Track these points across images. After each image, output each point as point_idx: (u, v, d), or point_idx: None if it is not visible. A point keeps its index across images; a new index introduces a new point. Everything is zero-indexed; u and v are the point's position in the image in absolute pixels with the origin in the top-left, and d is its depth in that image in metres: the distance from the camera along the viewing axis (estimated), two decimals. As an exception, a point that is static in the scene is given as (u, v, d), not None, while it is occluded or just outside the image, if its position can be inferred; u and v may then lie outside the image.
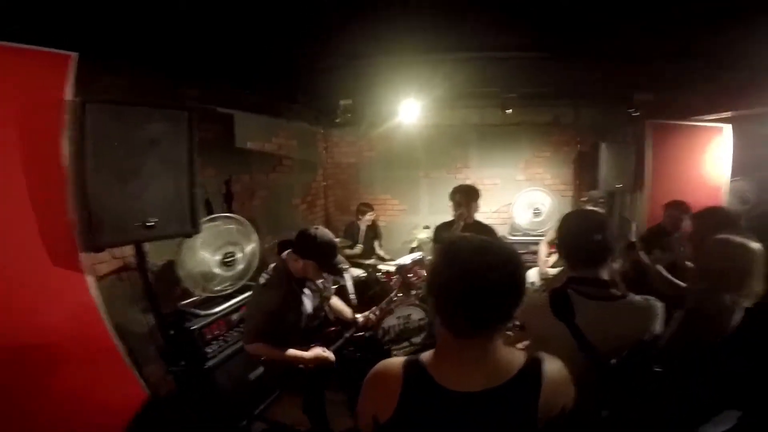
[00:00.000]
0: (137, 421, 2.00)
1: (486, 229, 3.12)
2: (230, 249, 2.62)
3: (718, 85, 3.13)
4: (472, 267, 0.80)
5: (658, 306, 1.29)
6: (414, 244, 4.62)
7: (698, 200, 3.54)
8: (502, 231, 4.76)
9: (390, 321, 3.27)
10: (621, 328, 1.25)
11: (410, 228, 4.88)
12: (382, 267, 4.16)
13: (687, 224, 3.07)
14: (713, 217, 2.39)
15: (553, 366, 0.88)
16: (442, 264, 0.84)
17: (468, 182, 5.03)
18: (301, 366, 1.93)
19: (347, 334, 2.15)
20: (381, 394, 0.88)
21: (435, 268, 0.86)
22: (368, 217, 4.60)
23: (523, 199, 4.62)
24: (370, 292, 3.98)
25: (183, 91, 2.72)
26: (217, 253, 2.57)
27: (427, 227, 4.69)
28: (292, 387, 2.17)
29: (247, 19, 2.07)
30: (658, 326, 1.29)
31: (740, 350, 1.52)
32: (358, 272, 4.24)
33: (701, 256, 1.76)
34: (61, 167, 1.65)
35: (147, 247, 2.44)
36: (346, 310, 2.35)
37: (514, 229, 4.71)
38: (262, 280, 1.99)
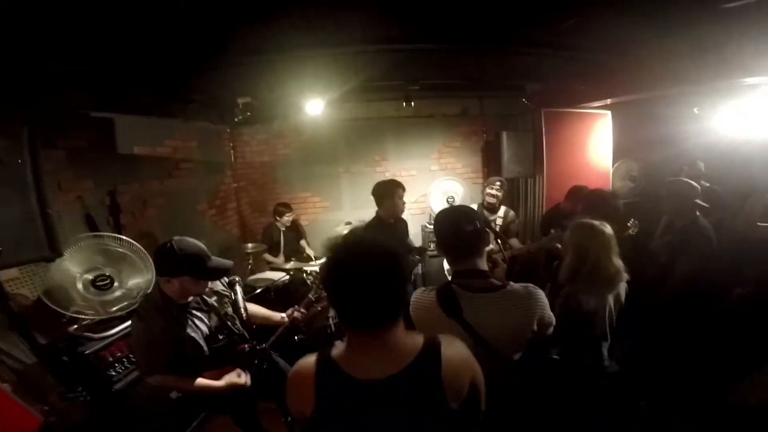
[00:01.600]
0: None
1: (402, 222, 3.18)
2: (108, 271, 2.31)
3: (598, 74, 3.45)
4: (346, 267, 0.89)
5: (539, 292, 1.35)
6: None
7: (589, 181, 3.92)
8: (422, 220, 4.93)
9: (323, 322, 3.20)
10: (507, 318, 1.28)
11: (333, 225, 4.78)
12: (307, 268, 4.03)
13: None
14: (581, 200, 2.64)
15: (450, 346, 0.95)
16: (325, 265, 0.94)
17: (387, 174, 5.13)
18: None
19: (268, 344, 1.94)
20: (300, 392, 0.95)
21: (323, 270, 0.96)
22: (287, 218, 4.40)
23: (437, 188, 4.74)
24: (294, 294, 3.82)
25: (43, 99, 2.31)
26: (89, 273, 2.25)
27: (349, 223, 4.64)
28: (216, 409, 2.00)
29: (127, 16, 1.80)
30: (546, 312, 1.35)
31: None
32: (280, 275, 4.07)
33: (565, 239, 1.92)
34: None
35: (15, 273, 2.16)
36: (271, 314, 2.18)
37: (432, 218, 4.85)
38: (135, 312, 1.77)
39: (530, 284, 1.37)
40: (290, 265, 4.09)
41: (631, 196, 4.47)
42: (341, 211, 5.21)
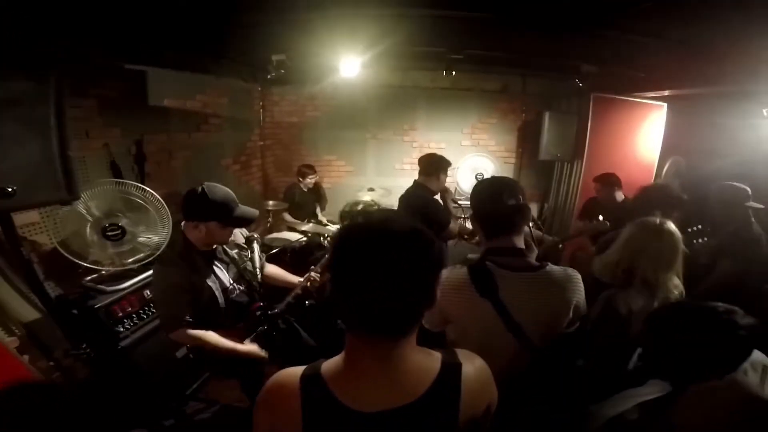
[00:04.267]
0: (50, 409, 1.85)
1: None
2: (120, 222, 2.25)
3: (659, 64, 3.13)
4: (370, 256, 0.65)
5: (578, 276, 1.25)
6: (359, 207, 4.52)
7: (630, 173, 3.70)
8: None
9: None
10: (543, 300, 1.20)
11: (356, 190, 4.73)
12: (325, 231, 4.03)
13: (619, 196, 3.22)
14: (649, 197, 2.40)
15: (472, 368, 0.78)
16: (339, 254, 0.69)
17: (415, 144, 4.97)
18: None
19: (278, 309, 1.90)
20: (280, 418, 0.75)
21: (332, 258, 0.70)
22: (309, 179, 4.37)
23: (467, 164, 4.59)
24: (310, 257, 3.85)
25: (81, 48, 2.28)
26: (103, 220, 2.21)
27: (372, 189, 4.58)
28: (225, 372, 1.99)
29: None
30: (582, 300, 1.25)
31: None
32: (297, 237, 4.09)
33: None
34: None
35: (36, 218, 2.22)
36: (290, 278, 2.13)
37: (458, 193, 4.72)
38: (157, 259, 1.78)
39: (570, 268, 1.26)
40: (308, 227, 4.11)
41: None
42: (365, 176, 5.15)
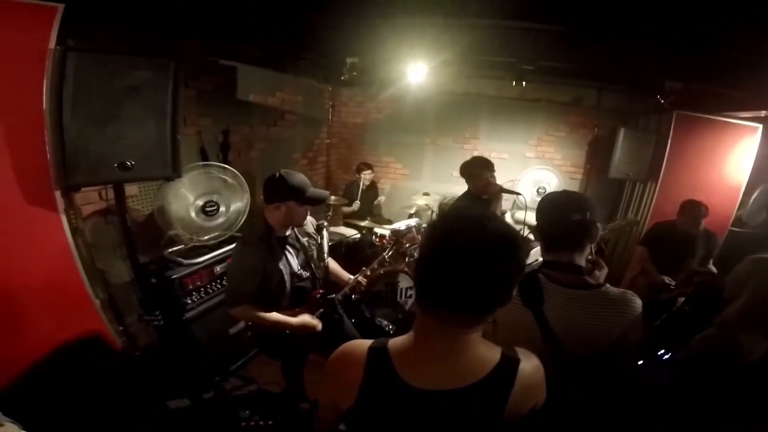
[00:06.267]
0: (109, 372, 2.06)
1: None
2: (214, 198, 2.56)
3: (757, 82, 2.85)
4: (464, 244, 0.71)
5: (637, 302, 1.17)
6: (412, 210, 4.61)
7: (711, 200, 3.38)
8: (504, 206, 4.72)
9: (378, 286, 3.28)
10: (590, 320, 1.15)
11: (411, 193, 4.83)
12: (377, 230, 4.17)
13: (703, 226, 2.98)
14: None
15: (529, 367, 0.81)
16: (429, 236, 0.77)
17: (475, 153, 4.94)
18: (287, 331, 1.89)
19: (337, 297, 2.06)
20: (342, 382, 0.83)
21: (426, 240, 0.78)
22: (365, 175, 4.55)
23: (529, 176, 4.48)
24: (361, 254, 4.01)
25: (183, 43, 2.62)
26: (199, 200, 2.50)
27: (426, 194, 4.66)
28: (273, 351, 2.11)
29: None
30: (634, 326, 1.17)
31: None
32: (352, 233, 4.27)
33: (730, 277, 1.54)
34: (40, 113, 1.68)
35: (135, 191, 2.54)
36: (343, 274, 2.27)
37: (517, 206, 4.62)
38: (239, 239, 1.96)
39: (630, 291, 1.20)
40: (365, 223, 4.27)
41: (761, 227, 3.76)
42: (420, 181, 5.21)
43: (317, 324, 1.91)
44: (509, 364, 0.79)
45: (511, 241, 0.74)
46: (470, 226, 0.73)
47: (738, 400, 1.28)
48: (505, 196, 2.92)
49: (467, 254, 0.71)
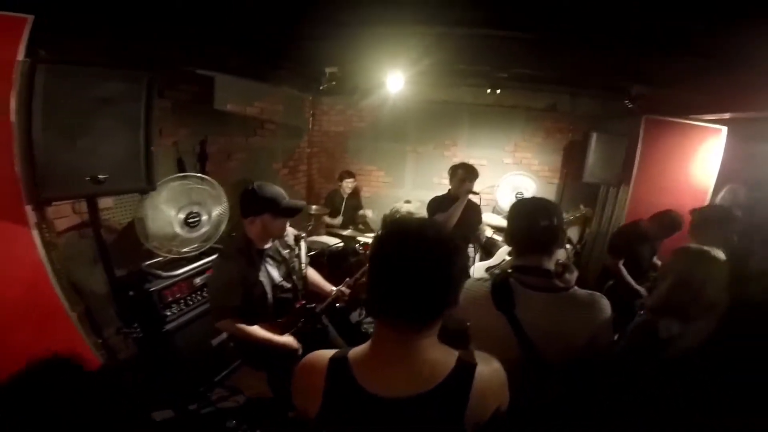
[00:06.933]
0: (91, 385, 1.98)
1: (474, 207, 3.22)
2: (195, 209, 2.56)
3: (720, 85, 2.99)
4: (404, 253, 0.75)
5: (604, 303, 1.22)
6: (400, 213, 4.62)
7: (681, 201, 3.52)
8: (485, 212, 4.78)
9: (363, 293, 3.26)
10: (562, 323, 1.20)
11: (393, 201, 4.85)
12: (360, 238, 4.18)
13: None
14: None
15: (486, 370, 0.82)
16: (375, 249, 0.80)
17: (455, 160, 5.02)
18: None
19: (319, 308, 2.04)
20: (306, 390, 0.86)
21: (371, 253, 0.81)
22: (347, 183, 4.57)
23: (508, 182, 4.57)
24: (345, 263, 4.01)
25: (159, 53, 2.60)
26: (181, 212, 2.51)
27: (408, 201, 4.67)
28: (258, 363, 2.11)
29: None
30: (604, 327, 1.22)
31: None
32: (335, 242, 4.27)
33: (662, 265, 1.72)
34: (7, 125, 1.64)
35: (110, 203, 2.49)
36: (324, 284, 2.28)
37: (496, 211, 4.70)
38: (219, 251, 1.97)
39: (597, 293, 1.25)
40: (347, 231, 4.28)
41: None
42: (402, 188, 5.27)
43: (299, 348, 1.92)
44: (465, 368, 0.80)
45: (449, 248, 0.77)
46: (410, 236, 0.77)
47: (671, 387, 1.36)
48: (483, 201, 3.04)
49: (408, 263, 0.74)
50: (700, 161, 3.88)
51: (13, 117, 1.65)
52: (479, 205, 3.27)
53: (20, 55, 1.64)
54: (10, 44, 1.62)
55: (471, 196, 3.08)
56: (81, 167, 1.80)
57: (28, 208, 1.74)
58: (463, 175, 3.06)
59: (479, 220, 3.40)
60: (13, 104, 1.64)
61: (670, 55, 2.53)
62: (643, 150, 3.86)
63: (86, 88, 1.78)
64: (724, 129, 3.77)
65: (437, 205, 3.12)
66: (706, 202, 3.91)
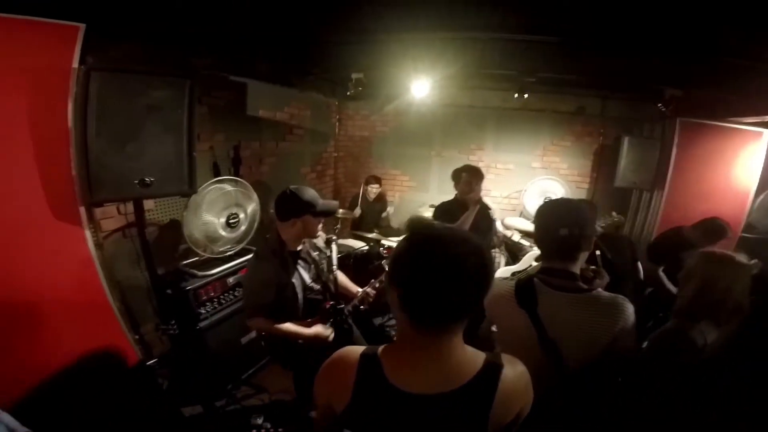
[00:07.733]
0: (127, 379, 2.12)
1: (484, 213, 3.15)
2: (234, 210, 2.68)
3: (759, 86, 2.88)
4: (440, 257, 0.75)
5: (627, 306, 1.21)
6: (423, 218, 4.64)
7: (719, 207, 3.39)
8: (511, 216, 4.73)
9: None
10: (583, 322, 1.20)
11: (417, 205, 4.88)
12: (384, 242, 4.22)
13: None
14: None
15: (512, 372, 0.84)
16: (408, 254, 0.79)
17: (481, 164, 4.99)
18: (300, 341, 1.93)
19: (347, 308, 2.08)
20: (335, 385, 0.87)
21: (400, 257, 0.80)
22: (372, 188, 4.61)
23: (535, 187, 4.51)
24: (370, 266, 4.05)
25: (194, 60, 2.73)
26: (222, 215, 2.63)
27: (433, 206, 4.68)
28: (287, 362, 2.15)
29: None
30: (626, 331, 1.20)
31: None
32: (360, 245, 4.32)
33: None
34: (66, 130, 1.77)
35: (151, 205, 2.61)
36: (351, 286, 2.31)
37: (523, 216, 4.64)
38: (255, 253, 2.02)
39: (621, 296, 1.23)
40: (372, 235, 4.32)
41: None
42: (427, 193, 5.27)
43: (330, 334, 1.94)
44: (492, 369, 0.82)
45: (482, 251, 0.79)
46: (444, 239, 0.78)
47: (696, 393, 1.33)
48: (510, 206, 2.98)
49: (445, 266, 0.75)
50: (740, 166, 3.73)
51: (70, 122, 1.77)
52: (489, 209, 3.20)
53: (75, 62, 1.74)
54: (66, 52, 1.72)
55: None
56: (130, 171, 1.92)
57: (82, 209, 1.87)
58: (468, 178, 2.99)
59: (489, 226, 3.31)
60: (70, 110, 1.76)
61: (704, 57, 2.46)
62: (678, 154, 3.74)
63: (134, 94, 1.89)
64: (766, 132, 3.61)
65: (443, 211, 3.06)
66: (748, 207, 3.75)
